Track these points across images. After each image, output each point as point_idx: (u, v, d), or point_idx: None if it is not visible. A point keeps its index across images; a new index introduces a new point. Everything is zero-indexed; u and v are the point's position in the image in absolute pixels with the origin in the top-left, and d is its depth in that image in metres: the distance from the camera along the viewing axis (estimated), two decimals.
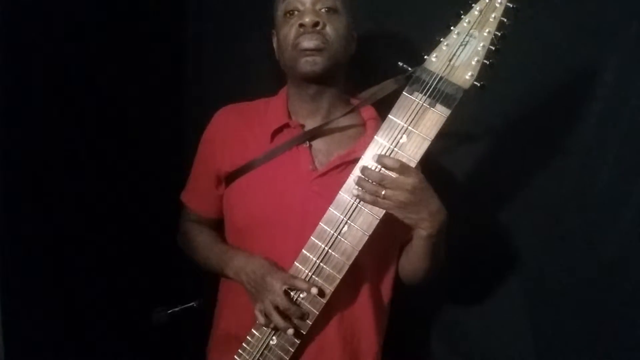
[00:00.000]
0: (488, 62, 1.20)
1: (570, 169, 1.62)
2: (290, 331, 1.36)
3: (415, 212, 1.26)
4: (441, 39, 1.22)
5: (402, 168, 1.23)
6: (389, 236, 1.45)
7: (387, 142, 1.26)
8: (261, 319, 1.38)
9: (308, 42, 1.38)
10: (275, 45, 1.53)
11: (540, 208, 1.68)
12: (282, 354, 1.42)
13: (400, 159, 1.25)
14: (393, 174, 1.24)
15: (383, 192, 1.24)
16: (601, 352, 1.58)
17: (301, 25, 1.39)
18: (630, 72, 1.50)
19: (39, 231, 1.57)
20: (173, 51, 2.11)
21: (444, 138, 1.64)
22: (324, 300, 1.36)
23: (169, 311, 1.75)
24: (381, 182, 1.24)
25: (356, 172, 1.29)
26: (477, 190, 1.78)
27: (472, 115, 1.58)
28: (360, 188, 1.27)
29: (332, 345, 1.47)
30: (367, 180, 1.26)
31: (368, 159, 1.28)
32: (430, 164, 1.48)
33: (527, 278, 1.74)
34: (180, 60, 2.14)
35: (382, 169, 1.26)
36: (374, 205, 1.27)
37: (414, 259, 1.44)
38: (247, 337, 1.44)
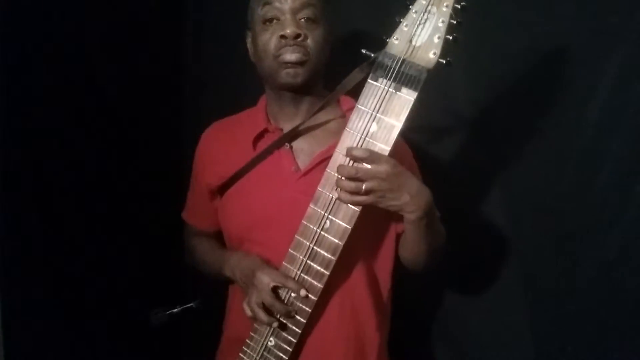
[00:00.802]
0: (451, 37, 1.13)
1: (570, 168, 1.59)
2: (275, 324, 1.37)
3: (396, 198, 1.22)
4: (400, 20, 1.17)
5: (372, 157, 1.19)
6: (379, 228, 1.45)
7: (358, 132, 1.22)
8: (248, 312, 1.38)
9: (290, 55, 1.37)
10: (249, 46, 1.52)
11: (540, 208, 1.65)
12: (280, 354, 1.41)
13: (373, 147, 1.21)
14: (365, 165, 1.20)
15: (363, 187, 1.20)
16: (601, 352, 1.56)
17: (282, 36, 1.37)
18: (630, 71, 1.47)
19: (39, 231, 1.60)
20: (173, 51, 2.13)
21: (445, 138, 1.72)
22: (315, 298, 1.34)
23: (168, 312, 1.77)
24: (356, 175, 1.20)
25: (330, 166, 1.26)
26: (478, 190, 1.76)
27: (473, 115, 1.60)
28: (338, 189, 1.24)
29: (333, 344, 1.46)
30: (342, 179, 1.22)
31: (341, 151, 1.24)
32: (430, 164, 1.49)
33: (527, 278, 1.72)
34: (180, 60, 2.16)
35: (355, 162, 1.22)
36: (354, 205, 1.25)
37: (411, 246, 1.41)
38: (247, 340, 1.45)
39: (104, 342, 1.79)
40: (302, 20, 1.39)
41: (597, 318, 1.56)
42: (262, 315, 1.35)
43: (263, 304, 1.35)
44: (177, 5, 2.10)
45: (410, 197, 1.22)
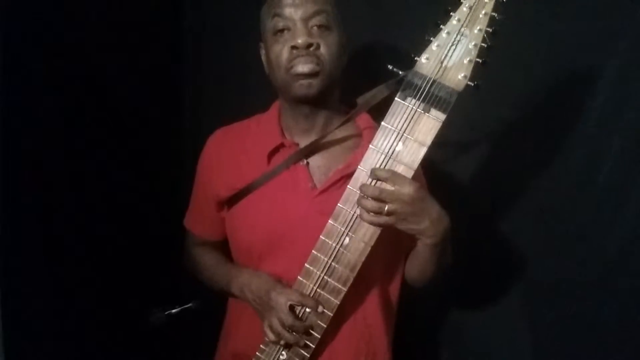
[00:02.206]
0: (481, 61, 1.13)
1: (570, 169, 1.60)
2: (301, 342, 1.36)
3: (417, 222, 1.22)
4: (431, 39, 1.16)
5: (397, 179, 1.19)
6: (395, 244, 1.41)
7: (383, 150, 1.21)
8: (271, 336, 1.36)
9: (303, 67, 1.32)
10: (264, 59, 1.48)
11: (540, 209, 1.66)
12: None
13: (397, 167, 1.20)
14: (389, 187, 1.19)
15: (386, 208, 1.19)
16: (601, 352, 1.57)
17: (294, 47, 1.33)
18: (630, 72, 1.47)
19: (39, 231, 1.58)
20: (173, 51, 2.11)
21: (443, 139, 1.64)
22: (330, 314, 1.33)
23: (167, 312, 1.76)
24: (379, 196, 1.19)
25: (352, 183, 1.25)
26: (477, 192, 1.76)
27: (471, 115, 1.55)
28: (360, 208, 1.23)
29: (343, 357, 1.45)
30: (365, 197, 1.21)
31: (364, 169, 1.23)
32: (428, 165, 1.44)
33: (527, 279, 1.73)
34: (180, 60, 2.14)
35: (378, 182, 1.21)
36: (375, 225, 1.24)
37: (420, 265, 1.41)
38: (257, 353, 1.43)
39: (102, 343, 1.77)
40: (314, 28, 1.35)
41: (597, 318, 1.57)
42: (289, 337, 1.34)
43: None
44: (176, 5, 2.09)
45: (431, 222, 1.22)
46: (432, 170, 1.47)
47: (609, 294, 1.55)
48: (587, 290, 1.59)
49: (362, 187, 1.21)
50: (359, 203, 1.23)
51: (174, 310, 1.77)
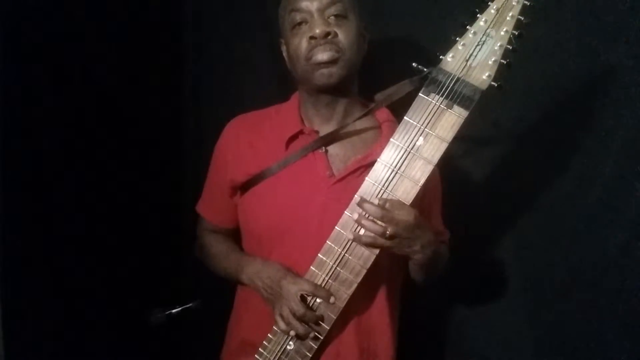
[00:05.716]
0: (505, 62, 1.18)
1: (571, 168, 1.61)
2: (311, 333, 1.37)
3: (409, 246, 1.30)
4: (457, 39, 1.20)
5: (396, 206, 1.25)
6: None
7: (404, 144, 1.25)
8: (281, 325, 1.37)
9: (322, 55, 1.36)
10: (285, 55, 1.51)
11: (540, 208, 1.68)
12: (299, 359, 1.40)
13: (417, 161, 1.24)
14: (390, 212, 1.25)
15: (389, 231, 1.24)
16: (601, 352, 1.58)
17: (312, 37, 1.37)
18: (632, 72, 1.48)
19: (39, 231, 1.58)
20: (173, 51, 2.11)
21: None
22: (341, 305, 1.35)
23: (167, 312, 1.76)
24: (381, 219, 1.24)
25: (370, 176, 1.29)
26: (477, 191, 1.78)
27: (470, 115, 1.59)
28: (358, 228, 1.28)
29: (349, 350, 1.47)
30: (366, 217, 1.26)
31: (384, 162, 1.27)
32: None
33: (527, 278, 1.74)
34: (180, 61, 2.14)
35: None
36: (371, 246, 1.29)
37: (413, 273, 1.51)
38: (264, 342, 1.43)
39: (103, 343, 1.76)
40: (331, 17, 1.38)
41: (597, 318, 1.57)
42: (299, 327, 1.35)
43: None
44: (176, 4, 2.09)
45: (421, 246, 1.30)
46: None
47: (609, 293, 1.55)
48: (587, 290, 1.59)
49: (366, 207, 1.25)
50: (358, 222, 1.27)
51: (174, 311, 1.76)
